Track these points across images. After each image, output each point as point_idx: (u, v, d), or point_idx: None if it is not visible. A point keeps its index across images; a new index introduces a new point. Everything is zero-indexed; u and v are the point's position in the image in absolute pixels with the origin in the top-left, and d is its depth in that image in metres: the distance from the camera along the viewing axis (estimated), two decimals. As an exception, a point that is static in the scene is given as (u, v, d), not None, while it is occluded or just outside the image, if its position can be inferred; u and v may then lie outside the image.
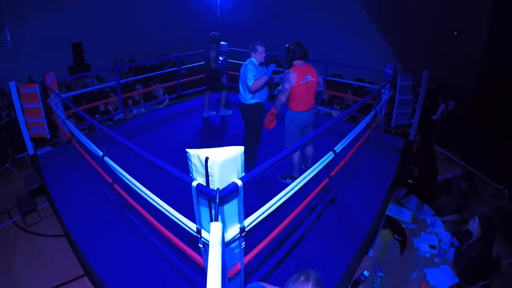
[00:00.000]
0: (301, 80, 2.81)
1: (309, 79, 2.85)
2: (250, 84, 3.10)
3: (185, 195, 1.57)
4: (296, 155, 3.12)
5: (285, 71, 3.01)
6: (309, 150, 3.25)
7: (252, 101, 3.28)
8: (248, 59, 3.24)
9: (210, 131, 4.73)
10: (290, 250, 2.37)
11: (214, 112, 5.14)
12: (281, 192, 1.74)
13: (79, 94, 5.72)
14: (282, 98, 2.87)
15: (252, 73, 3.12)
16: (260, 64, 3.23)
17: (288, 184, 3.20)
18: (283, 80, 2.84)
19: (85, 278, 2.97)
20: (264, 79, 3.06)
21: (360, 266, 2.51)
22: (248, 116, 3.39)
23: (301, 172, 3.18)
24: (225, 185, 1.33)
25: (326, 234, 2.59)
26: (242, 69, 3.23)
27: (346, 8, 8.35)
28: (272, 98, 4.61)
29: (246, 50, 6.24)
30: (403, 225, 3.06)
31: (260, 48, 3.19)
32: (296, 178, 3.10)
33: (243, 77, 3.19)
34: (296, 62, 2.87)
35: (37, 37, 8.81)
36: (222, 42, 4.87)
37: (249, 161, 3.30)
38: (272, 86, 3.56)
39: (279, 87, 3.08)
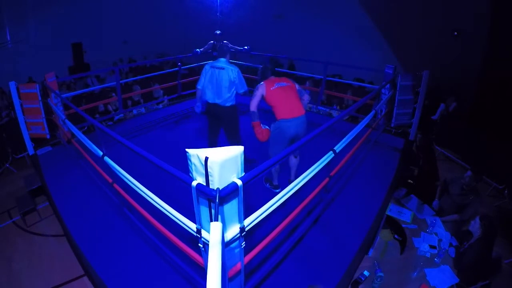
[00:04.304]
0: (271, 86, 2.83)
1: (282, 84, 2.86)
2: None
3: (185, 195, 1.57)
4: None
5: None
6: (293, 161, 3.10)
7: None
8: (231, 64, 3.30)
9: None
10: (290, 250, 2.36)
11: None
12: (281, 192, 1.74)
13: (79, 94, 5.72)
14: (251, 105, 2.83)
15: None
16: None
17: (268, 188, 3.13)
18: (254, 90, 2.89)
19: (85, 278, 2.98)
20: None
21: (360, 266, 2.51)
22: None
23: (279, 180, 3.15)
24: (225, 185, 1.33)
25: (326, 234, 2.59)
26: (230, 74, 3.20)
27: (346, 8, 8.35)
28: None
29: (249, 52, 6.19)
30: (403, 225, 3.06)
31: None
32: (276, 186, 3.14)
33: (236, 81, 3.22)
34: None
35: (37, 37, 8.81)
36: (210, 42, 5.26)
37: None
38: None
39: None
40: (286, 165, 3.14)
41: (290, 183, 1.83)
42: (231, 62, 3.36)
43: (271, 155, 2.93)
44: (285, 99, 2.81)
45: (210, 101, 3.30)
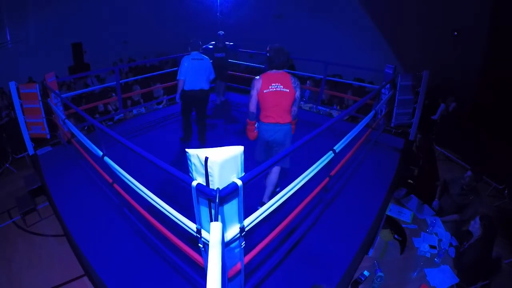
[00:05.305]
0: (266, 88, 2.56)
1: (278, 88, 2.55)
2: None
3: (185, 195, 1.57)
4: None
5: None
6: (271, 178, 2.75)
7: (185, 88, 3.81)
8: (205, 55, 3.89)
9: (210, 131, 4.73)
10: (290, 250, 2.36)
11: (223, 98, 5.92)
12: (281, 191, 1.74)
13: (79, 94, 5.73)
14: (249, 105, 2.65)
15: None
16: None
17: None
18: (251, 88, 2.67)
19: (85, 278, 2.98)
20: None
21: (360, 266, 2.51)
22: None
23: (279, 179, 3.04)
24: (225, 185, 1.33)
25: (326, 234, 2.59)
26: (207, 63, 3.87)
27: (346, 8, 8.35)
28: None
29: (246, 50, 6.24)
30: (403, 225, 3.05)
31: None
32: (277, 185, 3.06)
33: (211, 69, 3.91)
34: (272, 70, 2.62)
35: (37, 37, 8.80)
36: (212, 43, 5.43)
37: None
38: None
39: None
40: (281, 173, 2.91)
41: (261, 206, 1.73)
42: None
43: (255, 157, 2.81)
44: (271, 106, 2.60)
45: (196, 88, 3.79)
